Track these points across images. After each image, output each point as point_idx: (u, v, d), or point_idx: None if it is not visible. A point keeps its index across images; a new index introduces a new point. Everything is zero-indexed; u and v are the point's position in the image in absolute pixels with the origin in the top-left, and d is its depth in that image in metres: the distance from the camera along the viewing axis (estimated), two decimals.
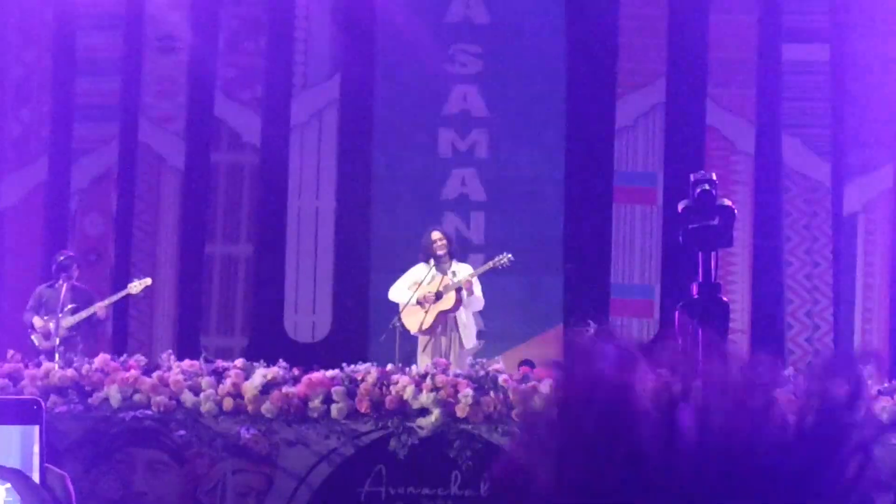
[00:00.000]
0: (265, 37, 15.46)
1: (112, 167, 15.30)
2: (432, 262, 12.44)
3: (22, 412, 2.01)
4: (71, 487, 1.99)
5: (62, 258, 13.13)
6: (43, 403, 2.01)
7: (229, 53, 15.41)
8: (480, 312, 12.63)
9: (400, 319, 12.36)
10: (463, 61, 15.50)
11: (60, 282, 12.87)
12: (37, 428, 1.98)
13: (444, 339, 12.34)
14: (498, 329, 13.17)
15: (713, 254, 4.07)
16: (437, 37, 15.41)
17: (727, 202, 3.87)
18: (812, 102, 14.89)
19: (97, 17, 15.32)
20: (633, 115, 15.14)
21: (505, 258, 12.45)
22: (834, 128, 14.86)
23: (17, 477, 1.93)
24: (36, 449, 1.98)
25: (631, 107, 15.15)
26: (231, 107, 15.37)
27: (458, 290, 12.32)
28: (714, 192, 3.93)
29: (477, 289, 12.40)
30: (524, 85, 15.36)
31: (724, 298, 3.85)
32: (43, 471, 1.96)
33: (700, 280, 3.99)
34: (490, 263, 12.53)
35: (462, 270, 12.49)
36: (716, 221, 4.01)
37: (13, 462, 1.96)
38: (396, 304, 12.55)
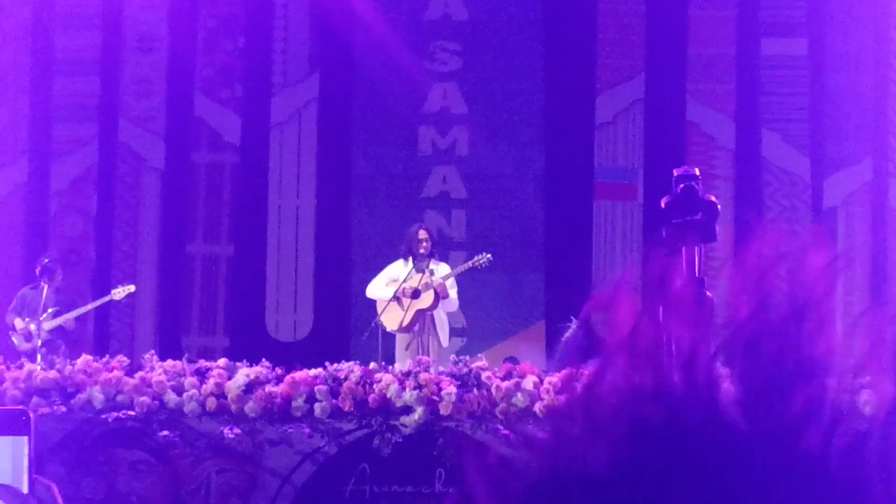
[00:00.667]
0: (244, 36, 15.46)
1: (92, 168, 15.29)
2: (411, 259, 12.43)
3: (10, 423, 2.00)
4: (58, 496, 2.00)
5: (46, 261, 13.13)
6: (31, 414, 2.00)
7: (208, 53, 15.40)
8: (462, 310, 12.64)
9: (380, 318, 12.37)
10: (442, 59, 15.50)
11: (43, 284, 12.86)
12: (25, 438, 1.97)
13: (422, 338, 12.34)
14: (480, 326, 13.19)
15: (696, 249, 4.08)
16: (416, 34, 15.42)
17: (711, 198, 3.88)
18: (791, 97, 14.94)
19: (75, 16, 15.31)
20: (612, 111, 15.17)
21: (484, 258, 12.45)
22: (813, 122, 14.91)
23: (6, 491, 1.92)
24: (25, 460, 1.97)
25: (610, 103, 15.18)
26: (211, 106, 15.36)
27: (436, 291, 12.33)
28: (697, 187, 3.94)
29: (452, 291, 12.39)
30: (504, 82, 15.38)
31: (709, 293, 3.86)
32: (32, 482, 1.96)
33: (685, 275, 3.98)
34: (469, 263, 12.53)
35: (440, 270, 12.48)
36: (699, 217, 4.01)
37: (4, 472, 1.96)
38: (373, 299, 12.55)
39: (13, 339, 12.80)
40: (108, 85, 15.33)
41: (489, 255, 12.45)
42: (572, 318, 12.69)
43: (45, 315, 12.77)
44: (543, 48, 15.37)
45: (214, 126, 15.37)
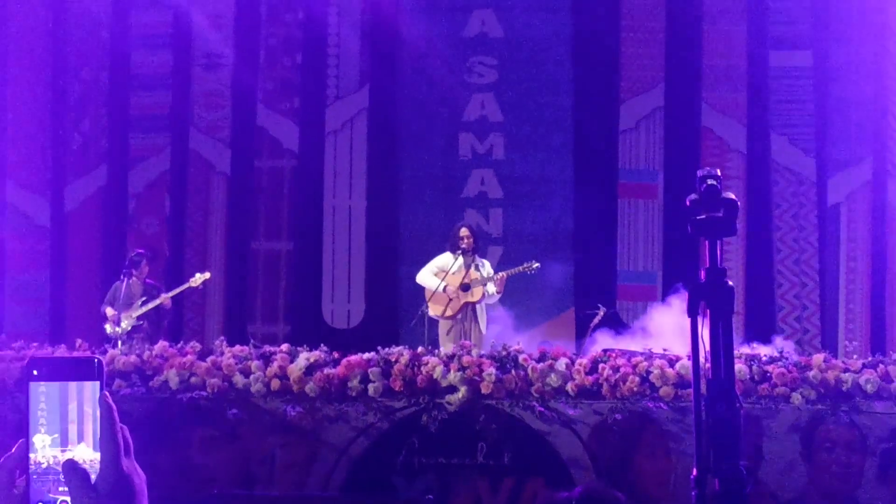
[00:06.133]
0: (301, 53, 15.49)
1: (165, 173, 15.35)
2: (459, 253, 12.45)
3: (83, 369, 1.98)
4: (130, 439, 1.98)
5: (133, 255, 13.25)
6: (103, 360, 1.99)
7: (269, 68, 15.44)
8: (501, 298, 12.65)
9: (427, 306, 12.38)
10: (480, 72, 15.50)
11: (130, 277, 12.97)
12: (98, 383, 1.96)
13: (464, 325, 12.36)
14: (516, 313, 13.18)
15: (718, 242, 4.10)
16: (456, 50, 15.43)
17: (731, 195, 3.89)
18: (797, 104, 14.87)
19: (149, 36, 15.37)
20: (635, 118, 15.14)
21: (533, 266, 12.43)
22: (818, 127, 14.84)
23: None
24: (94, 403, 1.95)
25: (633, 110, 15.15)
26: (271, 116, 15.40)
27: (484, 286, 12.35)
28: (719, 186, 3.96)
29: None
30: (536, 92, 15.37)
31: (730, 282, 3.88)
32: (108, 423, 1.92)
33: (707, 266, 4.01)
34: (520, 268, 12.51)
35: (486, 267, 12.52)
36: (721, 213, 4.03)
37: (84, 416, 1.94)
38: (423, 293, 12.57)
39: (105, 326, 12.90)
40: (179, 98, 15.39)
41: (538, 264, 12.43)
42: (599, 305, 12.71)
43: (136, 304, 12.88)
44: (572, 62, 15.36)
45: (275, 134, 15.40)
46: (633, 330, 11.90)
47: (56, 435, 1.93)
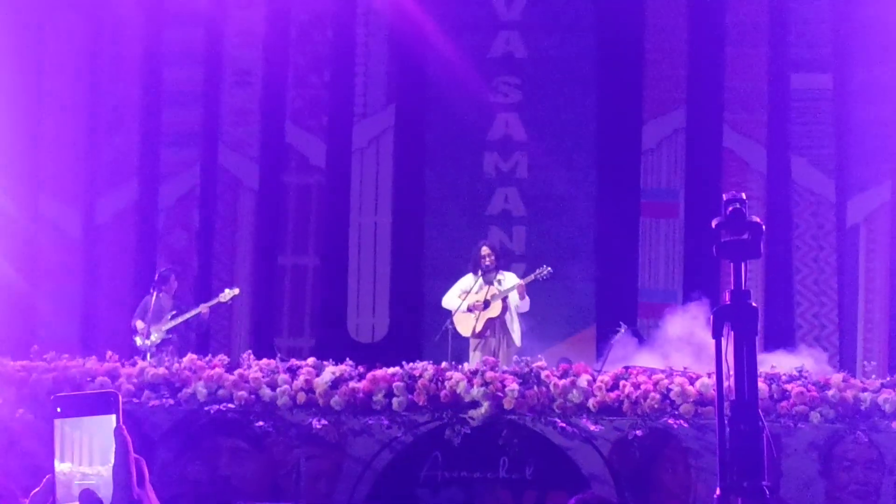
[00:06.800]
0: (329, 71, 15.55)
1: (194, 188, 15.41)
2: (480, 272, 12.48)
3: (102, 404, 2.05)
4: (145, 470, 2.05)
5: (162, 270, 13.31)
6: (119, 395, 2.05)
7: (297, 86, 15.50)
8: (523, 315, 12.67)
9: (452, 323, 12.41)
10: (505, 91, 15.55)
11: (160, 291, 13.02)
12: (114, 417, 2.03)
13: (493, 341, 12.39)
14: (539, 329, 13.19)
15: (743, 264, 4.13)
16: (481, 70, 15.47)
17: (756, 219, 3.92)
18: (817, 126, 14.87)
19: (180, 54, 15.44)
20: (657, 139, 15.15)
21: (545, 271, 12.45)
22: (837, 148, 14.83)
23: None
24: (111, 436, 2.02)
25: (655, 131, 15.16)
26: (299, 133, 15.45)
27: (505, 299, 12.37)
28: (744, 210, 3.99)
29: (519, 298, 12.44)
30: (559, 112, 15.40)
31: (754, 304, 3.91)
32: (122, 453, 1.99)
33: (732, 288, 4.04)
34: (532, 276, 12.53)
35: (508, 279, 12.52)
36: (746, 236, 4.07)
37: (103, 448, 2.00)
38: (448, 309, 12.60)
39: (135, 339, 12.97)
40: (209, 114, 15.46)
41: (549, 268, 12.46)
42: (621, 323, 12.71)
43: (165, 318, 12.94)
44: (595, 82, 15.39)
45: (303, 151, 15.45)
46: (651, 340, 11.94)
47: (76, 467, 2.01)
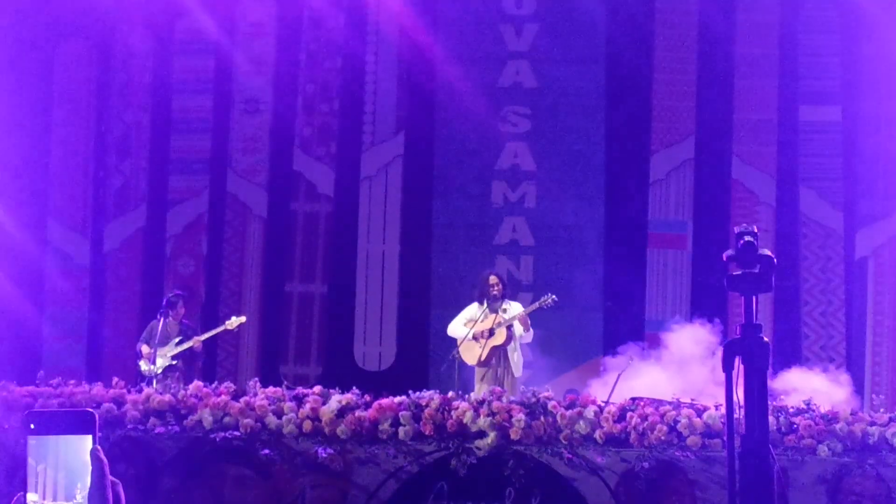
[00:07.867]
0: (338, 99, 15.56)
1: (203, 215, 15.41)
2: (485, 301, 12.45)
3: (79, 423, 1.97)
4: (122, 494, 1.97)
5: (170, 295, 13.27)
6: (96, 415, 1.98)
7: (306, 114, 15.51)
8: (530, 345, 12.62)
9: (458, 353, 12.37)
10: (514, 121, 15.54)
11: (167, 317, 12.99)
12: (90, 437, 1.94)
13: (498, 370, 12.35)
14: (546, 360, 13.14)
15: (754, 298, 4.07)
16: (490, 99, 15.46)
17: (767, 252, 3.87)
18: (826, 158, 14.85)
19: (190, 81, 15.47)
20: (665, 170, 15.13)
21: (549, 299, 12.42)
22: (846, 181, 14.81)
23: None
24: (87, 457, 1.94)
25: (663, 162, 15.14)
26: (308, 161, 15.45)
27: (509, 328, 12.33)
28: (756, 243, 3.94)
29: (524, 329, 12.40)
30: (568, 142, 15.39)
31: (765, 338, 3.85)
32: (99, 476, 1.92)
33: (743, 321, 3.99)
34: (537, 304, 12.50)
35: (513, 308, 12.48)
36: (757, 269, 4.01)
37: (81, 467, 1.93)
38: (454, 338, 12.56)
39: (140, 363, 12.92)
40: (218, 142, 15.47)
41: (554, 297, 12.42)
42: (630, 356, 12.64)
43: (171, 343, 12.90)
44: (604, 113, 15.37)
45: (311, 179, 15.45)
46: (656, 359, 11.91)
47: (50, 487, 1.93)
